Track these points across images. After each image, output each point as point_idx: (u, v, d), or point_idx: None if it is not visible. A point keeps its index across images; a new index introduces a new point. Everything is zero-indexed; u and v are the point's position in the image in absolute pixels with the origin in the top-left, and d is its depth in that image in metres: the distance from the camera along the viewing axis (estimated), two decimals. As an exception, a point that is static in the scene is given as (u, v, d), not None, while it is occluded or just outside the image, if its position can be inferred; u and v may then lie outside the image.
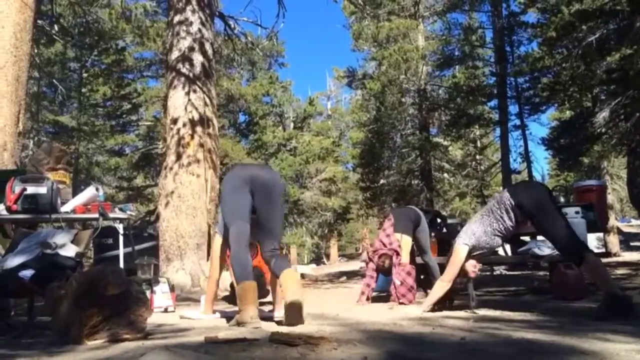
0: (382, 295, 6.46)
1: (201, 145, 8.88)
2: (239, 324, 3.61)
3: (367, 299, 5.88)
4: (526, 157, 20.34)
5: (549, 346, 2.58)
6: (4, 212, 4.96)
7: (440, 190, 22.15)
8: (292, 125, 32.10)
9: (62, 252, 4.09)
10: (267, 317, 4.08)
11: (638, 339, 2.71)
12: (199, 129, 8.91)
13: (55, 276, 3.66)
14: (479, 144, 25.30)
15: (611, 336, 2.81)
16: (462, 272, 4.50)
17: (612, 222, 21.96)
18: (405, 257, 5.85)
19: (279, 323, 3.80)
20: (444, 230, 7.54)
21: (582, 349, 2.46)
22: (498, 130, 20.93)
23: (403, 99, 20.61)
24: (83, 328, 2.88)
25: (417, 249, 6.27)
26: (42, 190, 4.93)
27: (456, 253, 4.45)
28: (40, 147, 6.34)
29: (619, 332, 2.98)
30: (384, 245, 5.92)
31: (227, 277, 6.30)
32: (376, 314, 4.49)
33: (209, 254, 8.56)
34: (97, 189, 5.50)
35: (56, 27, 18.31)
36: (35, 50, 14.98)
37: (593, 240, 8.16)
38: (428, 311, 4.46)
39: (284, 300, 3.73)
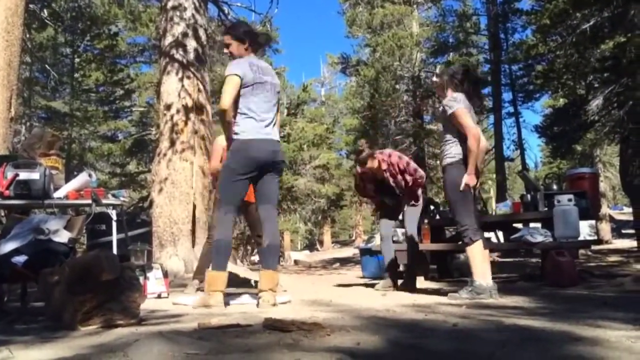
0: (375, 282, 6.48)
1: (195, 131, 8.86)
2: (205, 306, 3.91)
3: None
4: (519, 144, 20.43)
5: (541, 332, 2.60)
6: (-3, 198, 4.94)
7: (433, 177, 22.15)
8: (285, 111, 31.97)
9: (55, 238, 4.08)
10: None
11: (629, 325, 2.73)
12: (192, 115, 8.88)
13: (48, 262, 3.65)
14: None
15: (602, 322, 2.83)
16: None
17: (604, 209, 22.12)
18: None
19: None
20: (437, 217, 7.56)
21: (574, 335, 2.48)
22: (492, 118, 20.99)
23: (397, 86, 20.57)
24: (76, 314, 2.88)
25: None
26: (35, 176, 4.91)
27: (462, 118, 4.50)
28: (32, 133, 6.31)
29: (610, 318, 3.01)
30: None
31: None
32: (369, 300, 4.51)
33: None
34: (90, 175, 5.48)
35: (47, 12, 18.17)
36: (27, 35, 14.87)
37: (585, 228, 8.21)
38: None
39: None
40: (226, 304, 4.08)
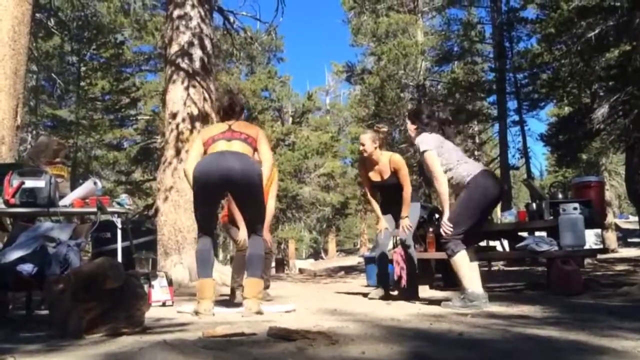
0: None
1: (200, 140, 8.85)
2: (196, 313, 4.02)
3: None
4: (525, 153, 20.38)
5: (547, 342, 2.59)
6: (2, 206, 4.95)
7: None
8: (290, 120, 32.11)
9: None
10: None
11: (635, 334, 2.71)
12: (198, 124, 8.89)
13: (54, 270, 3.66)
14: (477, 140, 25.33)
15: (609, 332, 2.82)
16: None
17: (610, 218, 22.02)
18: None
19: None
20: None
21: (581, 344, 2.47)
22: (497, 126, 20.98)
23: (402, 95, 20.61)
24: (81, 322, 2.88)
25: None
26: (41, 183, 4.92)
27: (430, 162, 4.50)
28: (38, 141, 6.33)
29: (616, 327, 3.00)
30: None
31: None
32: (374, 309, 4.50)
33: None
34: (95, 183, 5.49)
35: (53, 21, 18.27)
36: (34, 44, 14.93)
37: (591, 237, 8.19)
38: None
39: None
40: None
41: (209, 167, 4.06)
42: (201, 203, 4.21)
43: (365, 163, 5.84)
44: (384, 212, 5.90)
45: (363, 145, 5.69)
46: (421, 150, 4.56)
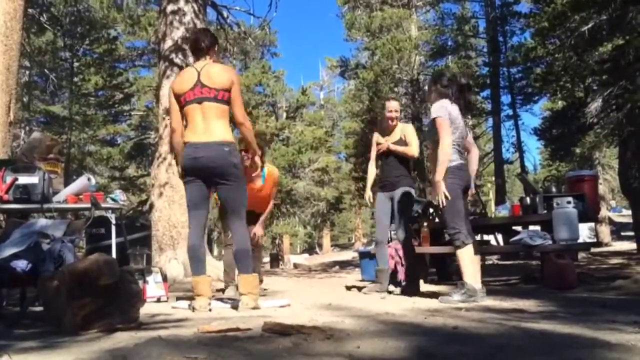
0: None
1: (194, 135, 8.83)
2: (193, 309, 4.04)
3: None
4: (518, 147, 20.45)
5: (540, 335, 2.59)
6: (-5, 202, 4.93)
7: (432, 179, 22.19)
8: (284, 115, 32.07)
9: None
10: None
11: (628, 327, 2.73)
12: (191, 119, 8.87)
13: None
14: (471, 134, 25.35)
15: (602, 325, 2.83)
16: None
17: (604, 212, 22.10)
18: None
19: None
20: (436, 220, 7.55)
21: (574, 337, 2.48)
22: (490, 121, 21.02)
23: (396, 89, 20.60)
24: (76, 318, 2.87)
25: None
26: (34, 180, 4.90)
27: (442, 129, 4.52)
28: (31, 137, 6.30)
29: (610, 320, 3.01)
30: None
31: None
32: (369, 303, 4.51)
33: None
34: (89, 179, 5.47)
35: (46, 16, 18.18)
36: (26, 39, 14.86)
37: (585, 230, 8.20)
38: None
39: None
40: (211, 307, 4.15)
41: (193, 166, 4.18)
42: (189, 184, 4.35)
43: (380, 131, 6.08)
44: (382, 189, 6.00)
45: (392, 111, 6.02)
46: (433, 115, 4.60)
